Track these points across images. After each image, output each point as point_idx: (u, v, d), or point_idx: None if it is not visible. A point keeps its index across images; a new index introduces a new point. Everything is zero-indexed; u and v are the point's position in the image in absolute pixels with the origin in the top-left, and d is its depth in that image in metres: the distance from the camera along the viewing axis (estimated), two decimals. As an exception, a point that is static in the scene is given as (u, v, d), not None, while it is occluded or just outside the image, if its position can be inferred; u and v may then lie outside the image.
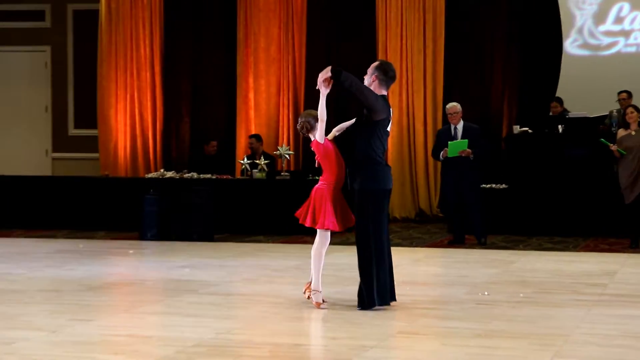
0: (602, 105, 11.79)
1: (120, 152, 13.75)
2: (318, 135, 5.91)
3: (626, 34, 12.42)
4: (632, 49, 12.39)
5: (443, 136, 9.90)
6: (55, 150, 14.45)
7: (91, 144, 14.00)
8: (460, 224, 9.88)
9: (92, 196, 11.61)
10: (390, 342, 5.06)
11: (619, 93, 11.54)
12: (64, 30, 14.30)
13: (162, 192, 10.74)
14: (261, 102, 13.44)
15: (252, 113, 13.45)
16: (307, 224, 5.94)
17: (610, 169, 10.40)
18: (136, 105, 13.74)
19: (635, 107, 9.82)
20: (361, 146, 5.89)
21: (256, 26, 13.37)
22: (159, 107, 13.79)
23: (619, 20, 12.44)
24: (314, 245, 6.01)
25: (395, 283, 6.03)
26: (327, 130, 6.02)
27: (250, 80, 13.43)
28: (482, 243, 9.69)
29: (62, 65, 14.32)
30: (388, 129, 6.02)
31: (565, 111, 11.73)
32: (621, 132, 9.71)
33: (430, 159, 12.51)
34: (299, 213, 6.01)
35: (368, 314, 5.74)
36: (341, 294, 6.47)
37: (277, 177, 11.19)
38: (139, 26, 13.68)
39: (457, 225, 9.96)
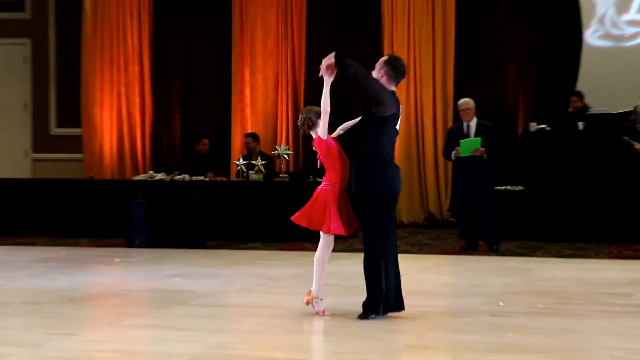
0: (625, 100, 11.76)
1: (106, 153, 13.75)
2: (320, 130, 5.88)
3: (652, 23, 12.41)
4: (659, 40, 12.38)
5: (454, 134, 9.88)
6: (35, 150, 14.44)
7: (74, 143, 14.00)
8: (473, 229, 9.85)
9: (76, 200, 11.59)
10: (397, 356, 5.03)
11: (645, 87, 11.53)
12: (45, 21, 14.29)
13: (151, 195, 10.72)
14: (258, 99, 13.43)
15: (248, 110, 13.44)
16: (312, 227, 5.90)
17: (635, 168, 10.38)
18: (123, 101, 13.74)
19: (661, 102, 9.81)
20: (368, 144, 5.84)
21: (252, 17, 13.36)
22: (148, 104, 13.78)
23: (644, 8, 12.43)
24: (317, 250, 5.97)
25: (402, 292, 6.00)
26: (331, 129, 5.99)
27: (246, 74, 13.42)
28: (494, 250, 9.66)
29: (43, 59, 14.31)
30: (397, 126, 5.98)
31: (586, 107, 11.71)
32: (646, 129, 9.70)
33: (440, 159, 12.48)
34: (301, 216, 5.96)
35: (373, 326, 5.71)
36: (344, 304, 6.43)
37: (275, 179, 11.17)
38: (126, 16, 13.67)
39: (469, 231, 9.92)
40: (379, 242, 5.80)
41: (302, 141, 13.24)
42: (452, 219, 12.39)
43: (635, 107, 11.34)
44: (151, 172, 12.01)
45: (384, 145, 5.86)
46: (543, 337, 5.37)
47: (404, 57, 12.63)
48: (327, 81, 5.89)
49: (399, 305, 5.94)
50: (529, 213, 10.78)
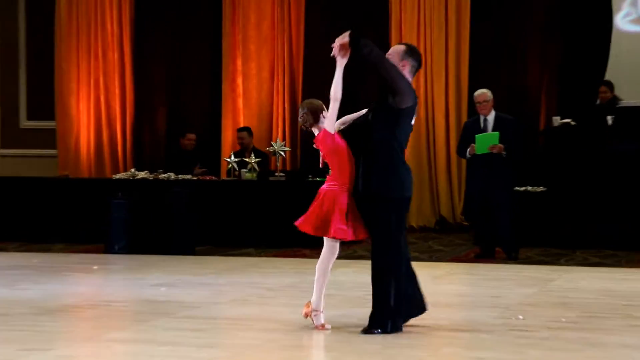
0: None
1: (83, 149, 13.77)
2: (328, 122, 5.84)
3: (690, 5, 12.44)
4: (697, 24, 12.41)
5: (470, 129, 9.90)
6: (4, 146, 14.47)
7: (47, 138, 14.03)
8: (489, 234, 9.87)
9: (49, 201, 11.61)
10: (406, 375, 5.08)
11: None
12: (14, 3, 14.30)
13: (133, 196, 10.74)
14: (251, 89, 13.46)
15: (240, 102, 13.47)
16: (319, 233, 5.91)
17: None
18: (102, 92, 13.77)
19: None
20: (381, 139, 5.77)
21: (245, -3, 13.39)
22: (129, 95, 13.81)
23: (681, -12, 12.46)
24: (320, 258, 5.99)
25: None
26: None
27: (239, 62, 13.44)
28: (512, 258, 9.69)
29: (11, 45, 14.32)
30: (412, 122, 5.93)
31: (616, 99, 11.73)
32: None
33: (454, 157, 12.51)
34: (305, 221, 5.95)
35: (380, 341, 5.73)
36: (347, 317, 6.46)
37: (271, 178, 11.20)
38: (104, -2, 13.71)
39: (485, 236, 9.95)
40: (390, 253, 5.79)
41: (300, 136, 13.26)
42: (466, 223, 12.42)
43: (671, 100, 11.39)
44: (133, 170, 12.02)
45: (400, 141, 5.82)
46: (566, 354, 5.40)
47: (413, 42, 12.70)
48: (340, 63, 5.80)
49: (420, 308, 6.00)
50: (552, 217, 10.81)
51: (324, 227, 5.88)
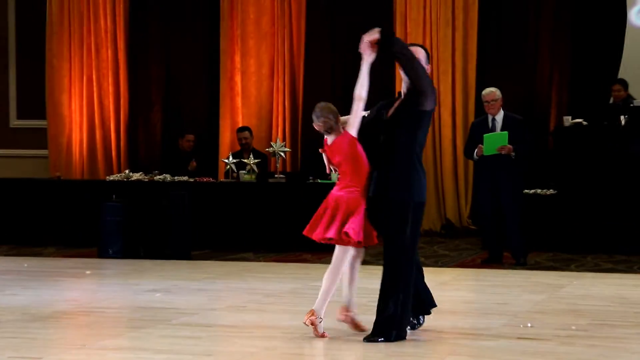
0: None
1: (75, 149, 13.80)
2: (353, 124, 5.83)
3: None
4: None
5: (478, 130, 9.93)
6: (-7, 146, 14.49)
7: (38, 138, 14.05)
8: (497, 238, 9.90)
9: (40, 203, 11.65)
10: (410, 385, 5.11)
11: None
12: (4, -3, 14.35)
13: (128, 198, 10.77)
14: (250, 87, 13.48)
15: (239, 100, 13.49)
16: (342, 241, 5.89)
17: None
18: (95, 89, 13.79)
19: None
20: (404, 142, 5.79)
21: (244, -8, 13.41)
22: (123, 93, 13.83)
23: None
24: (334, 265, 5.98)
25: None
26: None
27: (237, 59, 13.47)
28: (521, 263, 9.72)
29: (1, 41, 14.35)
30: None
31: (630, 98, 11.74)
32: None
33: (461, 158, 12.53)
34: (324, 226, 5.90)
35: (382, 349, 5.76)
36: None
37: (270, 180, 11.23)
38: (98, -8, 13.74)
39: (493, 240, 9.98)
40: (402, 260, 5.83)
41: (301, 137, 13.29)
42: (474, 227, 12.45)
43: (687, 99, 11.39)
44: (127, 171, 12.04)
45: (420, 144, 5.87)
46: (577, 363, 5.44)
47: (418, 40, 12.76)
48: (368, 61, 5.86)
49: (429, 305, 6.16)
50: (562, 220, 10.83)
51: (354, 233, 5.85)
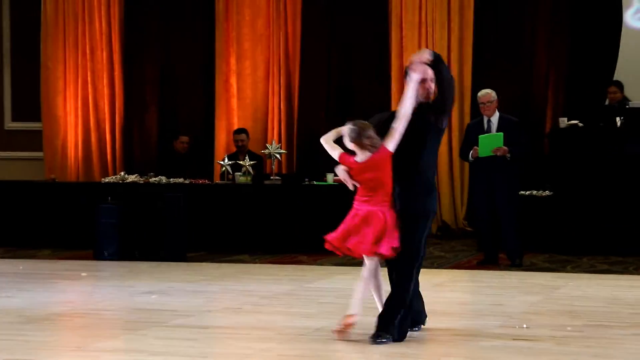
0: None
1: (71, 151, 13.80)
2: (396, 141, 5.90)
3: None
4: None
5: (473, 131, 9.96)
6: (-13, 148, 14.49)
7: (33, 140, 14.05)
8: (493, 239, 9.93)
9: (35, 205, 11.65)
10: (406, 386, 5.13)
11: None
12: (-1, -1, 14.34)
13: (123, 200, 10.78)
14: (246, 89, 13.49)
15: (234, 102, 13.50)
16: (391, 253, 5.96)
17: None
18: (90, 91, 13.79)
19: None
20: (427, 158, 6.06)
21: (239, -6, 13.43)
22: (119, 95, 13.84)
23: (695, -16, 12.49)
24: (367, 272, 6.02)
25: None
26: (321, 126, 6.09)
27: (232, 61, 13.48)
28: (516, 264, 9.75)
29: (-4, 42, 14.36)
30: None
31: (626, 99, 11.77)
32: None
33: (456, 160, 12.56)
34: (371, 242, 5.90)
35: (378, 350, 5.78)
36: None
37: (266, 182, 11.25)
38: (93, -7, 13.74)
39: (488, 242, 10.01)
40: (413, 262, 6.05)
41: (296, 139, 13.31)
42: (469, 229, 12.48)
43: (682, 100, 11.42)
44: (122, 173, 12.06)
45: (437, 158, 6.21)
46: (572, 364, 5.46)
47: (414, 42, 12.80)
48: (415, 80, 5.96)
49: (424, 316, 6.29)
50: (558, 222, 10.86)
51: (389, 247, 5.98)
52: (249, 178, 11.26)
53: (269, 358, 5.68)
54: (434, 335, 6.19)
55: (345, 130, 6.00)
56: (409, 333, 6.16)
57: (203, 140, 13.52)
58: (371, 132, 5.96)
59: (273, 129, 13.36)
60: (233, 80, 13.48)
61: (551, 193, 11.08)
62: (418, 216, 6.02)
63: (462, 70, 12.84)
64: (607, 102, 11.90)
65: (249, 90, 13.48)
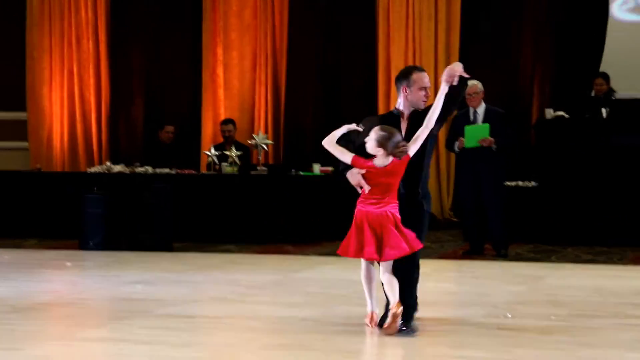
0: (656, 84, 11.90)
1: (56, 141, 13.77)
2: (418, 145, 5.97)
3: (689, -6, 12.51)
4: (697, 14, 12.49)
5: (459, 122, 9.97)
6: (-27, 138, 14.44)
7: (19, 130, 14.00)
8: (479, 230, 9.96)
9: (21, 195, 11.63)
10: (390, 375, 5.15)
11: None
12: (-18, -13, 14.28)
13: (109, 190, 10.77)
14: (232, 79, 13.48)
15: (221, 92, 13.49)
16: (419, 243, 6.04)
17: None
18: (76, 82, 13.76)
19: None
20: (428, 164, 6.25)
21: (226, -16, 13.41)
22: (105, 85, 13.80)
23: (680, -24, 12.53)
24: (389, 268, 5.99)
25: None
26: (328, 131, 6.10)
27: (219, 51, 13.46)
28: (501, 255, 9.79)
29: (-19, 31, 14.29)
30: None
31: (612, 91, 11.81)
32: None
33: (442, 151, 12.58)
34: (399, 242, 5.92)
35: (362, 340, 5.80)
36: (331, 315, 6.53)
37: (252, 172, 11.25)
38: (79, -17, 13.70)
39: (474, 232, 10.04)
40: (418, 262, 6.26)
41: (283, 129, 13.31)
42: (455, 219, 12.51)
43: (668, 92, 11.47)
44: (108, 163, 12.04)
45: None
46: (555, 353, 5.47)
47: (401, 34, 12.81)
48: (445, 90, 6.05)
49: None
50: (543, 212, 10.90)
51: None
52: (235, 168, 11.26)
53: (254, 347, 5.69)
54: (420, 324, 6.20)
55: (374, 135, 5.92)
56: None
57: (189, 131, 13.50)
58: (400, 138, 5.96)
59: (260, 119, 13.35)
60: (220, 71, 13.47)
61: (537, 184, 11.12)
62: (422, 217, 6.18)
63: (449, 61, 12.81)
64: (593, 94, 11.92)
65: (236, 80, 13.47)
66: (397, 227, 5.96)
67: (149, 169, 11.48)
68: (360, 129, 6.03)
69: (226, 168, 11.28)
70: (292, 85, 13.35)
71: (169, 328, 6.15)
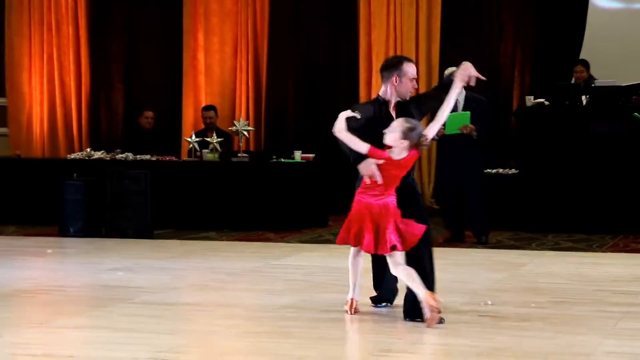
0: (636, 71, 11.92)
1: (36, 127, 13.70)
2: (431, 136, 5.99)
3: (669, -20, 12.55)
4: (677, 0, 12.53)
5: (440, 109, 9.96)
6: (-49, 124, 14.34)
7: (-2, 116, 13.93)
8: (459, 217, 9.98)
9: (0, 182, 11.56)
10: (371, 362, 5.14)
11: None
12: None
13: (89, 177, 10.72)
14: (213, 65, 13.44)
15: (202, 79, 13.45)
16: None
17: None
18: (55, 67, 13.69)
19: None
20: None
21: (207, -31, 13.35)
22: (85, 71, 13.74)
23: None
24: (400, 266, 5.92)
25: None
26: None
27: (200, 37, 13.41)
28: (482, 242, 9.82)
29: (-41, 16, 14.17)
30: None
31: (592, 78, 11.84)
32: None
33: (424, 138, 12.57)
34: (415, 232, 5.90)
35: (343, 326, 5.81)
36: (311, 302, 6.54)
37: (233, 159, 11.22)
38: (58, -32, 13.61)
39: (455, 220, 10.05)
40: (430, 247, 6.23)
41: (264, 116, 13.28)
42: (436, 207, 12.51)
43: (647, 80, 11.50)
44: (88, 149, 12.00)
45: None
46: (535, 341, 5.49)
47: (382, 19, 12.79)
48: (458, 90, 6.07)
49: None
50: (524, 200, 10.93)
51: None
52: (216, 155, 11.23)
53: (234, 335, 5.69)
54: (400, 311, 6.19)
55: (399, 126, 5.85)
56: (377, 309, 6.22)
57: (170, 117, 13.46)
58: (422, 129, 5.92)
59: (241, 105, 13.32)
60: (201, 57, 13.42)
61: (517, 171, 11.14)
62: (419, 199, 6.17)
63: (429, 48, 12.85)
64: (573, 81, 11.96)
65: (217, 66, 13.43)
66: (396, 222, 5.87)
67: (130, 156, 11.43)
68: (358, 117, 5.88)
69: (207, 155, 11.24)
70: (273, 71, 13.32)
71: (150, 315, 6.14)
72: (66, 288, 7.24)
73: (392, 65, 6.13)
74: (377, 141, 5.85)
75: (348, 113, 5.88)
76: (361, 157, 5.86)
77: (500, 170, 11.16)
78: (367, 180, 5.90)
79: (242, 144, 11.50)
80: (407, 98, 6.15)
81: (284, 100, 13.25)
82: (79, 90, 13.73)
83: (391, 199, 5.93)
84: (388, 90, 6.12)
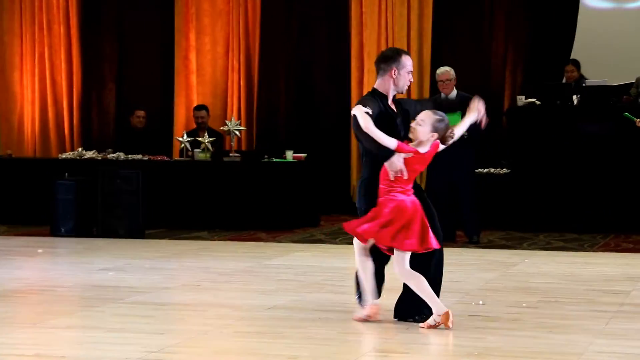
0: (626, 71, 11.94)
1: (27, 126, 13.66)
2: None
3: (659, -19, 12.58)
4: (666, 1, 12.55)
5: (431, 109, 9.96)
6: (-58, 123, 14.28)
7: (-11, 115, 13.88)
8: (450, 217, 9.96)
9: (-9, 181, 11.55)
10: (362, 362, 5.14)
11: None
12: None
13: (80, 176, 10.71)
14: (205, 65, 13.42)
15: (193, 78, 13.43)
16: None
17: (636, 149, 10.55)
18: (47, 66, 13.64)
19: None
20: None
21: (199, -31, 13.33)
22: (76, 70, 13.70)
23: (650, -37, 12.59)
24: (408, 270, 5.84)
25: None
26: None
27: (192, 37, 13.39)
28: (473, 241, 9.83)
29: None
30: None
31: (583, 78, 11.86)
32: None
33: (415, 137, 12.58)
34: (425, 240, 5.85)
35: (335, 327, 5.80)
36: (303, 302, 6.53)
37: (225, 159, 11.21)
38: (50, -33, 13.57)
39: (446, 219, 10.00)
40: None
41: (256, 115, 13.27)
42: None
43: (638, 79, 11.52)
44: (80, 149, 11.98)
45: None
46: (526, 340, 5.50)
47: (374, 19, 12.78)
48: (472, 120, 6.35)
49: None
50: (515, 199, 10.94)
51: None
52: (208, 155, 11.22)
53: (226, 335, 5.68)
54: (391, 311, 6.20)
55: (428, 119, 5.83)
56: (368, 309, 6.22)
57: (162, 117, 13.44)
58: (448, 121, 5.92)
59: (232, 105, 13.30)
60: (192, 57, 13.40)
61: (508, 171, 11.16)
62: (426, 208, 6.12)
63: (421, 47, 12.84)
64: (564, 81, 11.98)
65: (209, 66, 13.41)
66: (422, 219, 5.82)
67: (121, 155, 11.42)
68: (370, 112, 5.78)
69: (199, 154, 11.23)
70: (264, 71, 13.31)
71: (141, 315, 6.14)
72: (57, 288, 7.22)
73: (390, 57, 6.03)
74: None
75: (362, 109, 5.75)
76: (389, 152, 5.74)
77: (492, 170, 11.18)
78: (391, 176, 5.78)
79: (234, 144, 11.49)
80: (404, 91, 6.13)
81: (275, 100, 13.24)
82: (71, 90, 13.69)
83: (414, 197, 5.87)
84: (385, 83, 6.03)
